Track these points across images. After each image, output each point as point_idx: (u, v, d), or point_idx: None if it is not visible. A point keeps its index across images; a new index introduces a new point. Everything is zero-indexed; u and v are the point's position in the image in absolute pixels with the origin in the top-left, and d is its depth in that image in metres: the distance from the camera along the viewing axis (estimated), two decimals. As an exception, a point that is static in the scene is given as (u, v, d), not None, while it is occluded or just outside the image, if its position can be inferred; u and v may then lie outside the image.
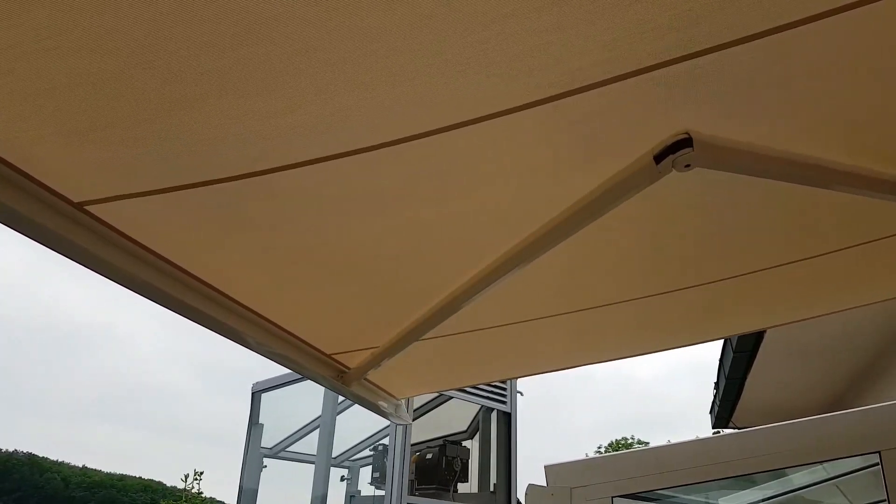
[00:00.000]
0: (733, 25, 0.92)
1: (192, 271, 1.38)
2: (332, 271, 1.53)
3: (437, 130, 1.07)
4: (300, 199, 1.25)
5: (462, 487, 5.46)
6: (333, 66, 0.91)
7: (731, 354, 5.04)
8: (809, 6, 0.90)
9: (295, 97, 0.97)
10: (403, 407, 2.35)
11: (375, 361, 1.85)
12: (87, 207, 1.15)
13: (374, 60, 0.91)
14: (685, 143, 1.13)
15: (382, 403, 2.21)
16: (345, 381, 1.94)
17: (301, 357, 1.79)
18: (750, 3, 0.88)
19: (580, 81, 0.99)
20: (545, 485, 2.22)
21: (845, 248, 1.62)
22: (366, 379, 2.03)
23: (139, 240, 1.26)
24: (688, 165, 1.15)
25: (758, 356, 4.87)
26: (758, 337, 4.59)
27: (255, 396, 6.29)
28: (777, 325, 3.57)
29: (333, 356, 1.89)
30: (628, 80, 0.99)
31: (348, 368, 1.94)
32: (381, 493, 5.19)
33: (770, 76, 1.04)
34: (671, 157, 1.13)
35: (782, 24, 0.92)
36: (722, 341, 5.31)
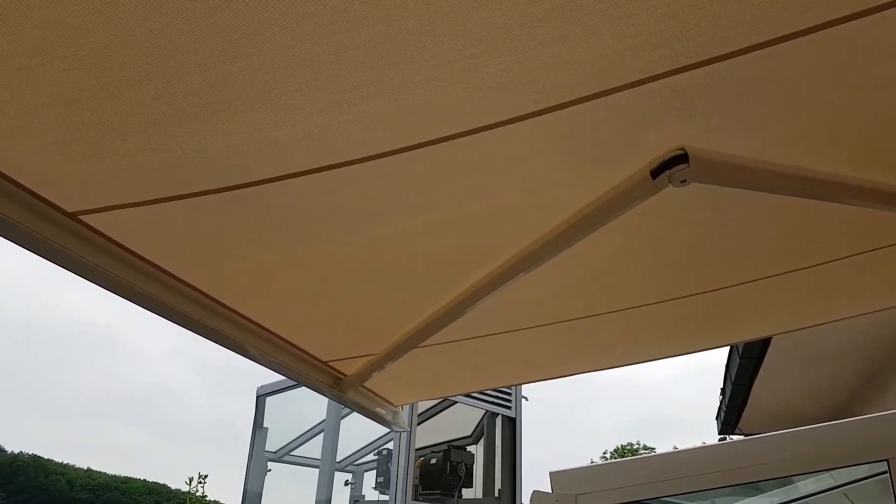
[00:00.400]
0: (722, 40, 0.92)
1: (186, 280, 1.39)
2: (327, 280, 1.53)
3: (432, 142, 1.07)
4: (295, 209, 1.25)
5: (466, 493, 5.44)
6: (324, 79, 0.92)
7: (738, 360, 5.02)
8: (796, 22, 0.90)
9: (287, 110, 0.97)
10: (401, 414, 2.34)
11: (373, 368, 1.85)
12: (81, 217, 1.15)
13: (363, 74, 0.92)
14: (681, 158, 1.13)
15: (380, 410, 2.21)
16: (341, 389, 1.94)
17: (297, 364, 1.79)
18: (738, 20, 0.88)
19: (570, 95, 1.00)
20: (550, 491, 2.21)
21: (847, 257, 1.62)
22: (363, 386, 2.02)
23: (135, 250, 1.27)
24: (684, 181, 1.16)
25: (764, 362, 4.85)
26: (764, 343, 4.57)
27: (260, 400, 6.30)
28: (780, 333, 3.56)
29: (330, 363, 1.89)
30: (620, 93, 0.99)
31: (345, 375, 1.94)
32: (385, 497, 5.18)
33: (764, 88, 1.05)
34: (667, 172, 1.14)
35: (771, 38, 0.92)
36: (728, 347, 5.29)
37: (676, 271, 1.69)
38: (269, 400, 6.30)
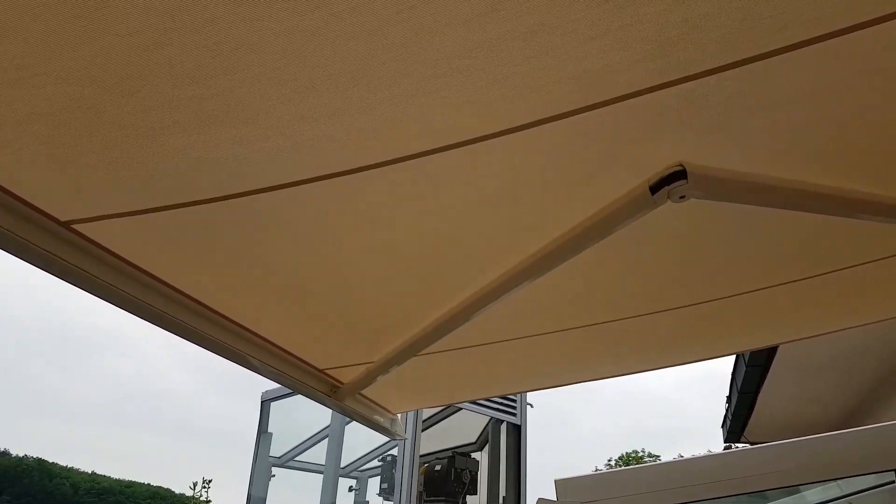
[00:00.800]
0: (713, 53, 0.92)
1: (182, 289, 1.39)
2: (323, 288, 1.53)
3: (425, 153, 1.08)
4: (289, 218, 1.25)
5: (471, 500, 5.43)
6: (310, 93, 0.93)
7: (744, 368, 5.00)
8: (791, 35, 0.90)
9: (275, 123, 0.98)
10: (399, 422, 2.34)
11: (370, 377, 1.85)
12: (74, 226, 1.15)
13: (350, 88, 0.92)
14: (679, 174, 1.13)
15: (378, 418, 2.20)
16: (338, 397, 1.93)
17: (294, 372, 1.78)
18: (727, 34, 0.88)
19: (561, 108, 1.00)
20: (555, 499, 2.20)
21: (850, 267, 1.61)
22: (360, 394, 2.02)
23: (130, 259, 1.27)
24: (683, 196, 1.16)
25: (770, 371, 4.83)
26: (770, 351, 4.56)
27: (265, 405, 6.30)
28: (783, 343, 3.55)
29: (326, 371, 1.89)
30: (611, 105, 1.00)
31: (342, 384, 1.94)
32: (390, 503, 5.17)
33: (761, 100, 1.05)
34: (666, 188, 1.15)
35: (766, 51, 0.92)
36: (734, 355, 5.27)
37: (675, 281, 1.68)
38: (273, 405, 6.30)
